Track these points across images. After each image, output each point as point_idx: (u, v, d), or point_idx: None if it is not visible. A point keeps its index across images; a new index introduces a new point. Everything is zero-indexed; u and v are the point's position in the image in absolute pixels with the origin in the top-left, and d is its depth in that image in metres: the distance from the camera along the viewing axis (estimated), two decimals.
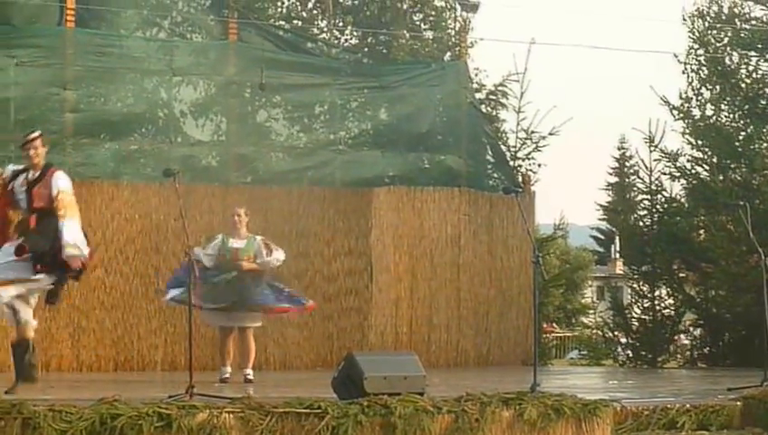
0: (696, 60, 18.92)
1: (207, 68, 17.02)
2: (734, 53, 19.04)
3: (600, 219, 45.18)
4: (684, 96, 18.78)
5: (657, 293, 19.12)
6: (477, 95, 19.63)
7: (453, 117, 18.16)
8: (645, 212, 19.31)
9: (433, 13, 20.81)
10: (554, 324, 32.02)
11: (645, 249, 19.04)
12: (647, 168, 18.94)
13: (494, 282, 17.66)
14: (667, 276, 19.10)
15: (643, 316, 19.17)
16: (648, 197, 19.13)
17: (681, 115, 18.69)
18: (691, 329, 19.68)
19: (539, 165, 19.51)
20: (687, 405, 9.46)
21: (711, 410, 9.47)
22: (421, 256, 17.14)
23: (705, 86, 18.88)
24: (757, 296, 12.00)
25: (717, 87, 18.84)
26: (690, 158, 18.74)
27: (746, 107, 18.69)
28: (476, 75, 20.30)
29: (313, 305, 13.38)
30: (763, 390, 10.09)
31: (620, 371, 18.30)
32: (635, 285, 19.39)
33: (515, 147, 19.32)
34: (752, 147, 18.58)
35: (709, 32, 19.06)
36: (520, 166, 19.25)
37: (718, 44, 19.05)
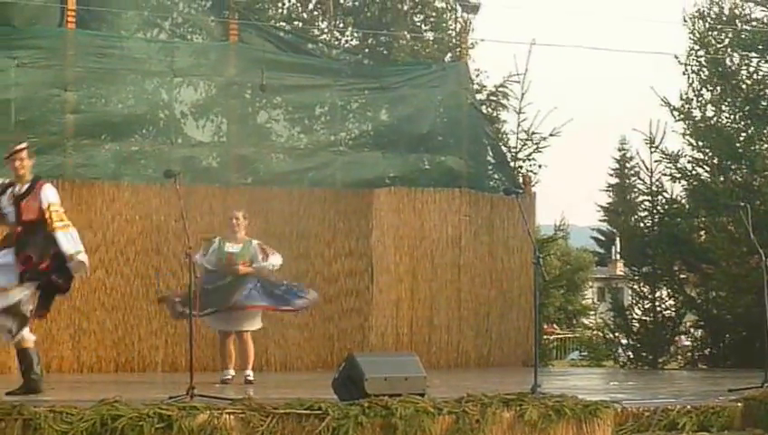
0: (697, 61, 18.93)
1: (208, 69, 17.02)
2: (735, 55, 19.04)
3: (600, 220, 45.25)
4: (684, 97, 18.78)
5: (657, 294, 19.13)
6: (478, 96, 19.63)
7: (453, 118, 18.16)
8: (645, 213, 19.32)
9: (434, 14, 20.81)
10: (555, 325, 32.00)
11: (645, 250, 19.05)
12: (647, 169, 18.97)
13: (495, 283, 17.66)
14: (667, 277, 19.11)
15: (644, 317, 19.18)
16: (649, 198, 19.14)
17: (682, 116, 18.70)
18: (692, 330, 19.68)
19: (539, 166, 19.54)
20: (688, 406, 9.46)
21: (712, 411, 9.46)
22: (422, 257, 17.14)
23: (706, 87, 18.88)
24: (758, 297, 12.00)
25: (718, 88, 18.85)
26: (691, 159, 18.76)
27: (747, 108, 18.69)
28: (477, 76, 20.31)
29: (303, 304, 13.11)
30: (763, 391, 10.09)
31: (621, 372, 18.29)
32: (635, 286, 19.39)
33: (516, 148, 19.34)
34: (752, 148, 18.58)
35: (710, 33, 19.06)
36: (520, 167, 19.26)
37: (719, 45, 19.05)
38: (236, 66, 16.97)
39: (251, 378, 12.52)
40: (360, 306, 16.67)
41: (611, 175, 44.91)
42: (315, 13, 20.54)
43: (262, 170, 17.03)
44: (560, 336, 31.82)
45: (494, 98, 20.34)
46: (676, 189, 19.07)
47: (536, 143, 19.31)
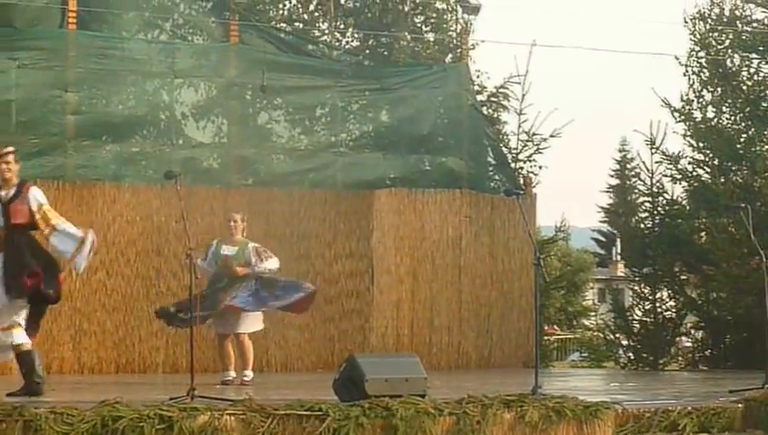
0: (698, 62, 18.93)
1: (209, 70, 17.02)
2: (736, 56, 19.04)
3: (601, 221, 45.32)
4: (685, 98, 18.78)
5: (658, 295, 19.11)
6: (479, 97, 19.63)
7: (454, 119, 18.16)
8: (646, 214, 19.32)
9: (434, 15, 20.79)
10: (555, 327, 31.99)
11: (646, 251, 19.03)
12: (648, 170, 18.96)
13: (496, 284, 17.66)
14: (668, 279, 19.10)
15: (644, 318, 19.17)
16: (650, 199, 19.13)
17: (682, 117, 18.69)
18: (692, 331, 19.66)
19: (540, 167, 19.54)
20: (689, 407, 9.46)
21: (712, 412, 9.46)
22: (422, 258, 17.15)
23: (707, 88, 18.88)
24: (758, 299, 11.99)
25: (719, 89, 18.84)
26: (691, 160, 18.75)
27: (747, 109, 18.68)
28: (478, 77, 20.29)
29: (303, 296, 13.02)
30: (764, 392, 10.09)
31: (622, 373, 18.29)
32: (636, 288, 19.38)
33: (516, 149, 19.34)
34: (753, 149, 18.58)
35: (710, 34, 19.06)
36: (521, 168, 19.26)
37: (719, 47, 19.05)
38: (237, 67, 16.97)
39: (247, 379, 12.50)
40: (361, 307, 16.67)
41: (612, 176, 44.97)
42: (316, 14, 20.52)
43: (262, 171, 17.03)
44: (560, 337, 31.80)
45: (495, 99, 20.33)
46: (677, 190, 19.09)
47: (537, 144, 19.32)
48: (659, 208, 19.07)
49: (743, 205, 12.27)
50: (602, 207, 41.52)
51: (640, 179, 19.34)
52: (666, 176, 18.87)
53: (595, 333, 22.53)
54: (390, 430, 7.98)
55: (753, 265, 12.69)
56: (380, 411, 8.01)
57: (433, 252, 17.22)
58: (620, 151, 43.83)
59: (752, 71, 18.97)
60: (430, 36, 20.59)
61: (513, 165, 19.03)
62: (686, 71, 18.88)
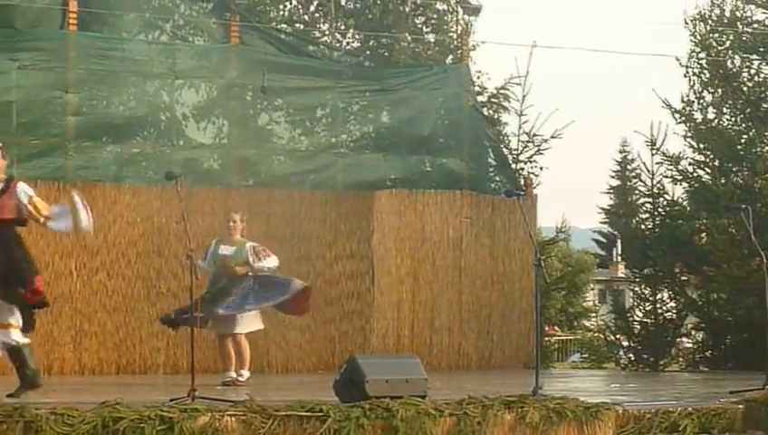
0: (698, 63, 18.94)
1: (209, 71, 17.02)
2: (736, 57, 19.05)
3: (601, 222, 45.31)
4: (686, 99, 18.80)
5: (658, 296, 19.12)
6: (479, 98, 19.65)
7: (455, 120, 18.17)
8: (647, 215, 19.33)
9: (435, 16, 20.82)
10: (556, 328, 32.00)
11: (647, 252, 19.03)
12: (648, 171, 18.96)
13: (496, 285, 17.66)
14: (668, 280, 19.10)
15: (645, 319, 19.17)
16: (650, 200, 19.14)
17: (683, 118, 18.70)
18: (693, 332, 19.66)
19: (541, 168, 19.56)
20: (689, 408, 9.45)
21: (713, 413, 9.45)
22: (423, 259, 17.15)
23: (707, 89, 18.89)
24: (759, 299, 11.99)
25: (719, 90, 18.85)
26: (692, 161, 18.75)
27: (748, 110, 18.69)
28: (478, 78, 20.34)
29: (293, 301, 12.93)
30: (765, 393, 10.08)
31: (622, 374, 18.29)
32: (637, 289, 19.39)
33: (517, 150, 19.35)
34: (753, 150, 18.58)
35: (711, 35, 19.07)
36: (522, 169, 19.27)
37: (720, 48, 19.06)
38: (237, 68, 16.97)
39: (242, 379, 12.46)
40: (362, 308, 16.67)
41: (613, 177, 44.94)
42: (316, 15, 20.56)
43: (263, 172, 17.03)
44: (561, 338, 31.82)
45: (496, 100, 20.36)
46: (678, 191, 19.09)
47: (537, 145, 19.34)
48: (660, 209, 19.07)
49: (743, 206, 12.27)
50: (603, 208, 41.47)
51: (641, 180, 19.36)
52: (666, 177, 18.90)
53: (596, 334, 22.54)
54: (391, 431, 7.98)
55: (753, 266, 12.68)
56: (381, 412, 8.01)
57: (433, 253, 17.22)
58: (621, 152, 43.83)
59: (752, 72, 18.98)
60: (431, 37, 20.63)
61: (513, 166, 19.04)
62: (687, 72, 18.90)
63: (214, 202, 15.82)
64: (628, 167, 39.46)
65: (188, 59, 16.87)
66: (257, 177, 17.00)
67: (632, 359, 19.24)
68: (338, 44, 20.01)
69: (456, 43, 20.09)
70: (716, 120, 18.88)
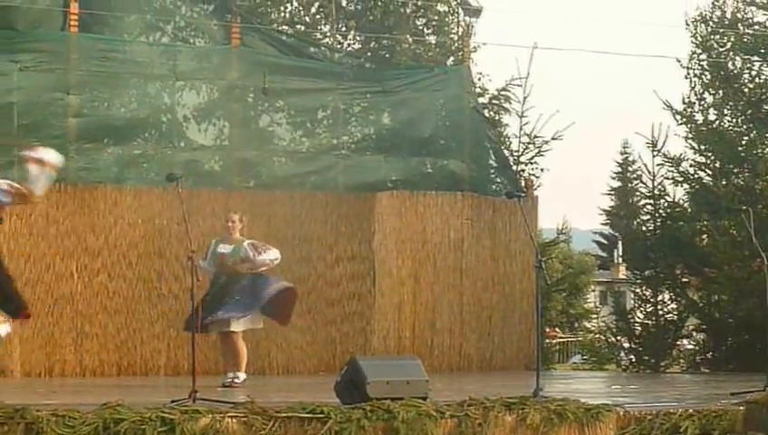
0: (699, 65, 18.95)
1: (210, 73, 17.02)
2: (737, 58, 19.06)
3: (602, 224, 45.30)
4: (687, 101, 18.80)
5: (659, 297, 19.12)
6: (480, 100, 19.65)
7: (456, 121, 18.16)
8: (648, 217, 19.34)
9: (436, 17, 20.83)
10: (557, 329, 32.00)
11: (648, 254, 19.04)
12: (649, 172, 18.98)
13: (497, 286, 17.66)
14: (669, 281, 19.11)
15: (646, 321, 19.18)
16: (651, 201, 19.15)
17: (684, 120, 18.71)
18: (694, 334, 19.68)
19: (541, 169, 19.57)
20: (690, 410, 9.45)
21: (714, 414, 9.45)
22: (424, 261, 17.15)
23: (708, 91, 18.90)
24: (760, 301, 11.99)
25: (720, 92, 18.86)
26: (693, 162, 18.76)
27: (749, 112, 18.69)
28: (479, 80, 20.34)
29: (274, 301, 12.78)
30: (766, 394, 10.08)
31: (623, 375, 18.29)
32: (638, 290, 19.39)
33: (518, 151, 19.36)
34: (754, 152, 18.59)
35: (712, 36, 19.08)
36: (523, 170, 19.28)
37: (721, 49, 19.07)
38: (239, 70, 16.97)
39: (238, 381, 12.39)
40: (363, 310, 16.67)
41: (613, 178, 44.89)
42: (317, 16, 20.57)
43: (264, 174, 17.03)
44: (562, 340, 31.81)
45: (497, 101, 20.36)
46: (679, 193, 19.11)
47: (538, 147, 19.35)
48: (661, 211, 19.08)
49: (744, 207, 12.29)
50: (604, 210, 41.38)
51: (642, 182, 19.37)
52: (667, 178, 18.91)
53: (596, 336, 22.53)
54: (392, 433, 7.98)
55: (754, 267, 12.67)
56: (382, 414, 8.02)
57: (434, 254, 17.22)
58: (622, 154, 43.78)
59: (753, 73, 19.00)
60: (432, 39, 20.64)
61: (514, 167, 19.05)
62: (688, 73, 18.92)
63: (215, 204, 15.82)
64: (629, 168, 39.46)
65: (189, 60, 16.87)
66: (258, 178, 17.00)
67: (633, 360, 19.24)
68: (339, 46, 20.02)
69: (456, 44, 20.09)
70: (717, 122, 18.89)
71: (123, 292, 15.46)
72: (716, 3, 19.16)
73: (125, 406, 7.70)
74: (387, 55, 20.07)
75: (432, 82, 18.23)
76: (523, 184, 18.51)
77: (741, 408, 9.68)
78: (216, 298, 12.51)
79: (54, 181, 14.94)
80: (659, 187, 18.97)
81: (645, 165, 19.07)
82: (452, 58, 20.15)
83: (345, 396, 8.55)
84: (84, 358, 15.22)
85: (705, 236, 19.11)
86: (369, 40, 20.20)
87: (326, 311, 16.27)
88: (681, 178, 18.80)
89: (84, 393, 11.22)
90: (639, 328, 19.23)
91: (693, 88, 18.84)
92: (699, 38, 19.01)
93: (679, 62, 18.91)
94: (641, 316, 19.33)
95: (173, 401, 8.35)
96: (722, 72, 18.85)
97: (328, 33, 20.29)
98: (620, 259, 37.85)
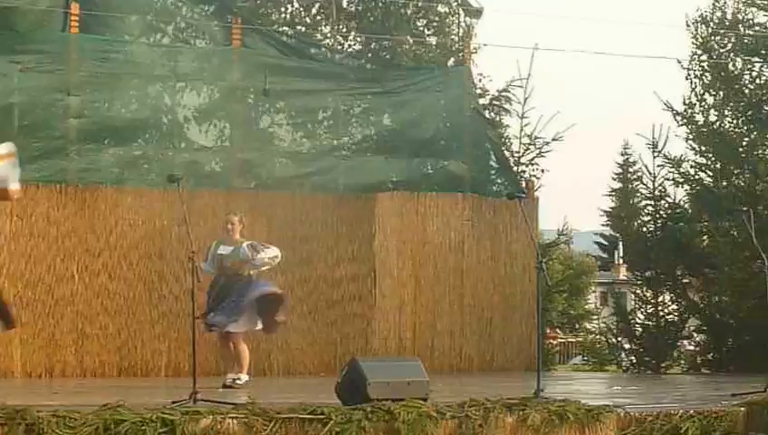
0: (700, 65, 18.95)
1: (211, 74, 17.03)
2: (738, 59, 19.06)
3: (603, 225, 45.23)
4: (687, 102, 18.81)
5: (660, 298, 19.12)
6: (481, 101, 19.63)
7: (456, 122, 18.16)
8: (648, 218, 19.34)
9: (436, 18, 20.83)
10: (558, 330, 31.98)
11: (648, 255, 19.04)
12: (650, 173, 18.99)
13: (498, 287, 17.66)
14: (670, 282, 19.11)
15: (647, 322, 19.18)
16: (652, 202, 19.16)
17: (684, 121, 18.72)
18: (694, 335, 19.67)
19: (542, 170, 19.55)
20: (691, 411, 9.45)
21: (715, 416, 9.45)
22: (425, 262, 17.15)
23: (709, 92, 18.90)
24: (760, 302, 12.00)
25: (721, 93, 18.86)
26: (693, 163, 18.76)
27: (750, 113, 18.69)
28: (480, 81, 20.31)
29: (260, 303, 12.63)
30: (766, 395, 10.09)
31: (624, 376, 18.29)
32: (638, 291, 19.40)
33: (519, 152, 19.35)
34: (755, 153, 18.60)
35: (712, 37, 19.08)
36: (523, 171, 19.27)
37: (721, 50, 19.07)
38: (239, 71, 16.97)
39: (240, 382, 12.37)
40: (363, 311, 16.67)
41: (614, 179, 44.85)
42: (318, 17, 20.57)
43: (265, 175, 17.03)
44: (562, 341, 31.80)
45: (497, 102, 20.34)
46: (679, 194, 19.12)
47: (539, 148, 19.34)
48: (661, 212, 19.09)
49: (745, 208, 12.30)
50: (605, 211, 41.34)
51: (642, 183, 19.38)
52: (668, 179, 18.92)
53: (597, 337, 22.52)
54: (392, 434, 7.98)
55: (755, 268, 12.70)
56: (382, 415, 8.02)
57: (435, 255, 17.22)
58: (623, 155, 43.72)
59: (754, 74, 19.00)
60: (432, 40, 20.64)
61: (515, 168, 19.04)
62: (689, 74, 18.92)
63: (215, 205, 15.81)
64: (630, 169, 39.41)
65: (190, 62, 16.88)
66: (259, 179, 17.00)
67: (634, 361, 19.25)
68: (339, 47, 20.02)
69: (457, 45, 20.09)
70: (718, 123, 18.89)
71: (124, 293, 15.46)
72: (717, 4, 19.18)
73: (126, 407, 7.70)
74: (387, 56, 20.07)
75: (433, 83, 18.24)
76: (523, 185, 18.50)
77: (742, 409, 9.68)
78: (216, 300, 12.53)
79: (55, 183, 15.11)
80: (660, 188, 18.98)
81: (645, 166, 19.11)
82: (453, 59, 20.14)
83: (346, 397, 8.55)
84: (85, 359, 15.22)
85: (705, 237, 19.11)
86: (369, 41, 20.19)
87: (327, 312, 16.27)
88: (682, 180, 18.81)
89: (85, 394, 11.21)
90: (640, 329, 19.24)
91: (693, 89, 18.85)
92: (700, 39, 19.02)
93: (680, 63, 18.93)
94: (642, 317, 19.33)
95: (174, 402, 8.35)
96: (722, 73, 18.85)
97: (329, 35, 20.30)
98: (621, 260, 37.80)
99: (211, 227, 15.06)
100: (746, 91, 18.85)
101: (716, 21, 19.07)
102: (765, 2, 18.99)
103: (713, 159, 18.66)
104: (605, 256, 50.79)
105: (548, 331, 26.12)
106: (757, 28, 19.06)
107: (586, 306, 35.28)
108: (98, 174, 15.85)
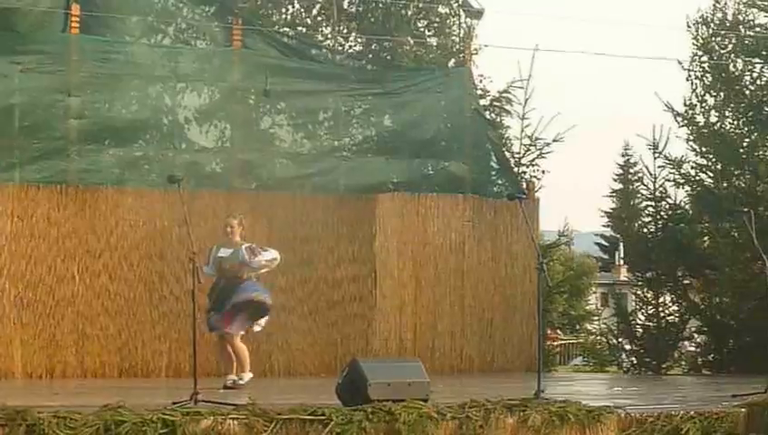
0: (701, 66, 18.94)
1: (212, 74, 17.02)
2: (739, 60, 19.05)
3: (604, 226, 45.25)
4: (688, 103, 18.80)
5: (661, 299, 19.11)
6: (481, 101, 19.63)
7: (457, 123, 18.16)
8: (649, 219, 19.34)
9: (437, 19, 20.84)
10: (558, 331, 31.98)
11: (649, 256, 19.04)
12: (651, 174, 18.99)
13: (499, 288, 17.65)
14: (671, 283, 19.10)
15: (647, 323, 19.17)
16: (653, 203, 19.15)
17: (685, 122, 18.71)
18: (695, 336, 19.66)
19: (543, 171, 19.55)
20: (692, 412, 9.45)
21: (715, 417, 9.45)
22: (425, 263, 17.14)
23: (710, 93, 18.89)
24: (761, 303, 12.02)
25: (721, 94, 18.85)
26: (694, 164, 18.76)
27: (750, 114, 18.69)
28: (480, 82, 20.32)
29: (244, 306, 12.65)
30: (767, 397, 10.08)
31: (625, 377, 18.29)
32: (639, 292, 19.39)
33: (519, 153, 19.34)
34: (756, 154, 18.59)
35: (713, 38, 19.07)
36: (524, 172, 19.26)
37: (722, 51, 19.06)
38: (240, 72, 16.98)
39: (242, 382, 12.37)
40: (364, 312, 16.67)
41: (615, 180, 44.87)
42: (319, 18, 20.59)
43: (265, 176, 17.03)
44: (563, 342, 31.80)
45: (498, 103, 20.34)
46: (680, 195, 19.10)
47: (540, 149, 19.33)
48: (662, 213, 19.08)
49: (745, 209, 12.28)
50: (605, 212, 41.36)
51: (643, 184, 19.37)
52: (669, 180, 18.90)
53: (598, 338, 22.52)
54: None
55: (755, 269, 12.70)
56: (383, 416, 8.02)
57: (436, 256, 17.22)
58: (623, 156, 43.73)
59: (754, 75, 18.99)
60: (433, 41, 20.65)
61: (515, 169, 19.03)
62: (689, 75, 18.91)
63: (216, 205, 15.81)
64: (631, 170, 39.42)
65: (191, 62, 16.87)
66: (260, 180, 17.00)
67: (634, 362, 19.24)
68: (340, 48, 20.02)
69: (458, 46, 20.10)
70: (719, 124, 18.88)
71: (124, 293, 15.46)
72: (717, 5, 19.17)
73: (126, 408, 7.71)
74: (388, 57, 20.08)
75: (433, 84, 18.23)
76: (524, 186, 18.49)
77: (742, 410, 9.68)
78: (216, 302, 12.56)
79: (56, 183, 15.11)
80: (661, 189, 18.97)
81: (646, 167, 19.10)
82: (453, 60, 20.15)
83: (346, 398, 8.55)
84: (85, 360, 15.21)
85: (706, 238, 19.11)
86: (370, 42, 20.20)
87: (327, 313, 16.26)
88: (682, 180, 18.80)
89: (85, 395, 11.21)
90: (641, 330, 19.23)
91: (694, 90, 18.85)
92: (700, 40, 19.01)
93: (681, 64, 18.92)
94: (642, 318, 19.31)
95: (174, 403, 8.35)
96: (723, 74, 18.84)
97: (329, 35, 20.31)
98: (622, 261, 37.83)
99: (211, 227, 15.06)
100: (747, 92, 18.85)
101: (717, 22, 19.07)
102: (766, 3, 18.99)
103: (713, 160, 18.65)
104: (606, 257, 50.83)
105: (549, 332, 26.12)
106: (758, 29, 19.06)
107: (587, 307, 35.32)
108: (98, 175, 15.85)
